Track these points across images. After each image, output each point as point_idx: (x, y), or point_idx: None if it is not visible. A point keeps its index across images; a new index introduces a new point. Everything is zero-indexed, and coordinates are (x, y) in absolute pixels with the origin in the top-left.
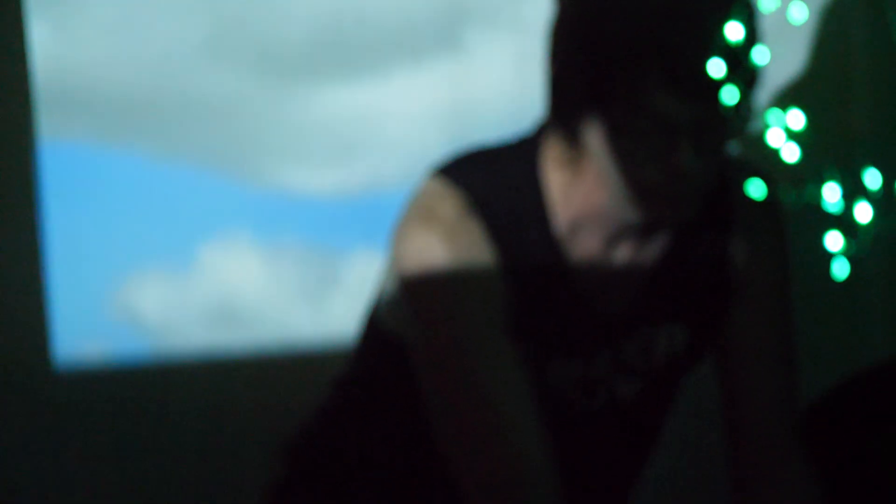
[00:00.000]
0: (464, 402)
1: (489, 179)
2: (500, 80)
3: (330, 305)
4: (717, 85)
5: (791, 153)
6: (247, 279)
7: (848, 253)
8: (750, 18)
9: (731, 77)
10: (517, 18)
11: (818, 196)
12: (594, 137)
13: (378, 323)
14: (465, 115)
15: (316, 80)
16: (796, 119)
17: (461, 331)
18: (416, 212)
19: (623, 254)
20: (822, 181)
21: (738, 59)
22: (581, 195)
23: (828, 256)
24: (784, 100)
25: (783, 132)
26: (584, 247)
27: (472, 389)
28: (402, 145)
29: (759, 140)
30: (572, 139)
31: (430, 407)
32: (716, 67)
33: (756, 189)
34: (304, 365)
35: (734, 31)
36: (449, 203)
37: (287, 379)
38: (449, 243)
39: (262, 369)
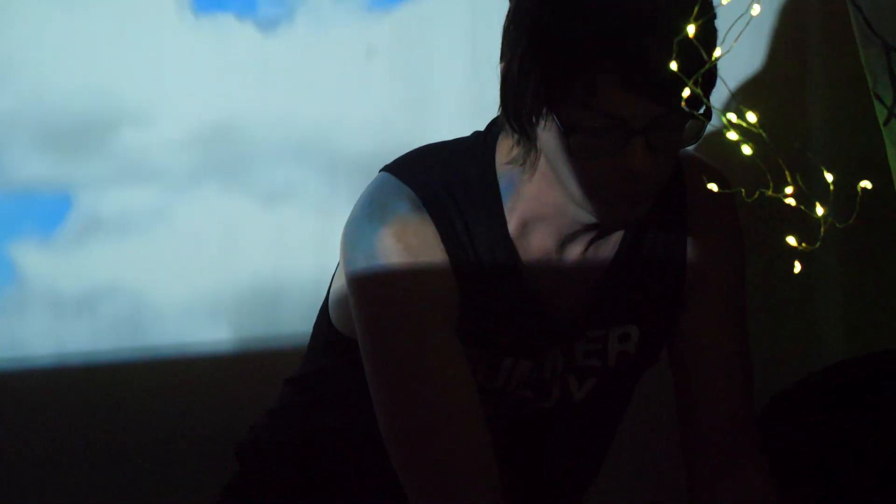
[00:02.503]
0: (406, 404)
1: (441, 178)
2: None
3: None
4: (673, 84)
5: (747, 150)
6: None
7: (803, 248)
8: (706, 16)
9: (686, 76)
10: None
11: (774, 193)
12: (547, 137)
13: (329, 321)
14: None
15: None
16: (752, 117)
17: (408, 332)
18: (367, 209)
19: (575, 254)
20: (778, 179)
21: (696, 58)
22: (533, 194)
23: (784, 252)
24: (740, 98)
25: (739, 130)
26: (537, 247)
27: (415, 392)
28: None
29: (716, 138)
30: (525, 139)
31: (375, 407)
32: (672, 66)
33: (710, 187)
34: (259, 364)
35: (690, 30)
36: (400, 200)
37: (242, 378)
38: (399, 240)
39: (219, 368)
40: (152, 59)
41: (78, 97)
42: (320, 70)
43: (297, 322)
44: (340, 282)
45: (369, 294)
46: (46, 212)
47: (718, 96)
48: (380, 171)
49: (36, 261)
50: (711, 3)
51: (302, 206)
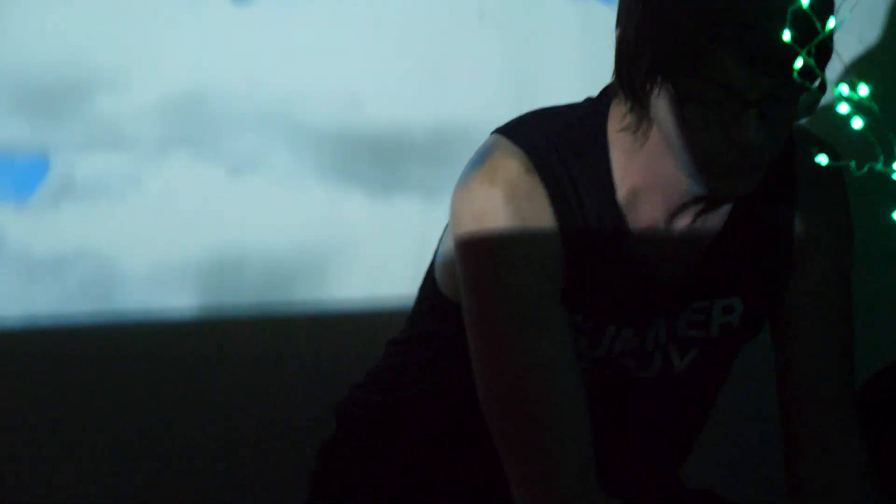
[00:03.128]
0: (506, 368)
1: (553, 142)
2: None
3: None
4: (788, 55)
5: (857, 124)
6: None
7: None
8: None
9: (801, 46)
10: None
11: (887, 169)
12: (661, 106)
13: (434, 283)
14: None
15: None
16: (863, 90)
17: (512, 296)
18: (479, 169)
19: (683, 224)
20: (890, 154)
21: (810, 30)
22: (644, 164)
23: (892, 228)
24: (852, 70)
25: (850, 103)
26: (645, 216)
27: (516, 356)
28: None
29: (827, 111)
30: (638, 107)
31: (474, 367)
32: (787, 38)
33: (820, 162)
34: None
35: (805, 1)
36: (512, 162)
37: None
38: (509, 202)
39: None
40: (127, 26)
41: (54, 62)
42: (291, 42)
43: (261, 292)
44: (448, 244)
45: (476, 256)
46: (24, 175)
47: (832, 70)
48: (491, 133)
49: (11, 223)
50: None
51: (269, 176)
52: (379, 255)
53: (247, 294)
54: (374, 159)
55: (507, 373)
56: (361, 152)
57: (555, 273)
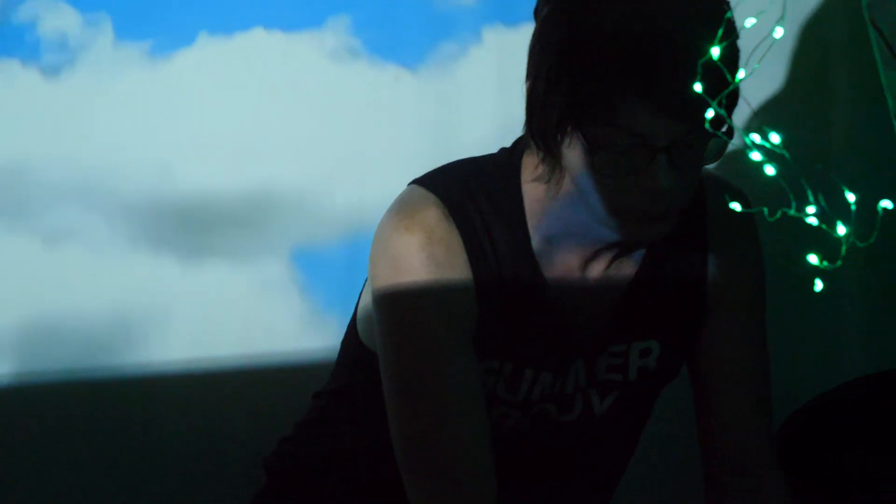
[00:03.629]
0: (415, 411)
1: (468, 190)
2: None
3: None
4: (696, 103)
5: (769, 171)
6: None
7: (825, 267)
8: (729, 39)
9: (710, 97)
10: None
11: (800, 214)
12: (572, 156)
13: (356, 335)
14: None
15: None
16: (775, 137)
17: (421, 338)
18: (395, 217)
19: (598, 271)
20: (800, 198)
21: (718, 79)
22: (558, 212)
23: (806, 271)
24: (763, 118)
25: (762, 150)
26: (560, 263)
27: (425, 400)
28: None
29: (738, 158)
30: (550, 157)
31: (388, 410)
32: (696, 87)
33: (734, 208)
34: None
35: (714, 52)
36: (428, 210)
37: (273, 392)
38: (424, 248)
39: (248, 383)
40: None
41: None
42: (101, 112)
43: (78, 357)
44: (368, 297)
45: (391, 299)
46: None
47: (741, 116)
48: (408, 184)
49: None
50: (735, 25)
51: (83, 245)
52: (192, 318)
53: (64, 360)
54: (184, 226)
55: (415, 415)
56: (172, 219)
57: (466, 320)
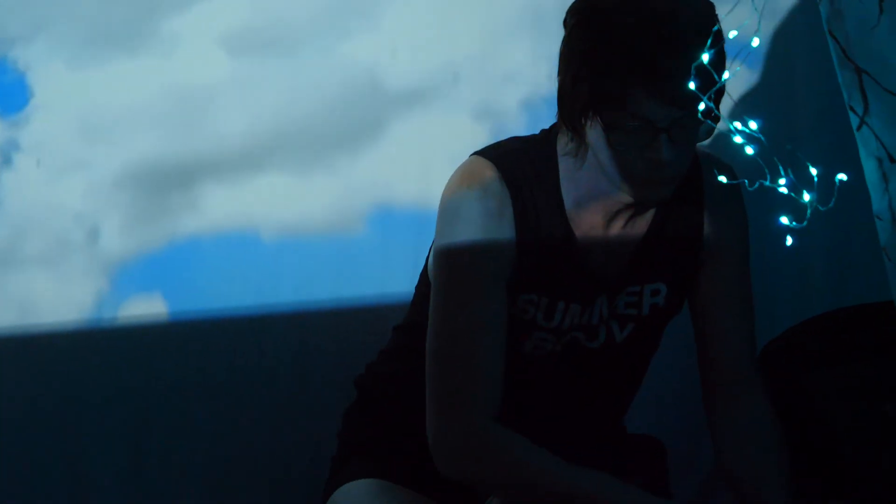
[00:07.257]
0: (447, 331)
1: (518, 161)
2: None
3: None
4: (690, 95)
5: (749, 150)
6: None
7: (794, 226)
8: (717, 46)
9: (702, 92)
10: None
11: (773, 185)
12: (593, 134)
13: (426, 276)
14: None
15: None
16: (753, 124)
17: (468, 268)
18: (460, 175)
19: (618, 227)
20: (773, 172)
21: (708, 78)
22: (584, 180)
23: (779, 229)
24: (743, 108)
25: (743, 134)
26: (587, 221)
27: (458, 313)
28: None
29: (725, 140)
30: (577, 136)
31: (428, 329)
32: (690, 85)
33: (721, 180)
34: (376, 314)
35: (704, 57)
36: (486, 172)
37: (363, 326)
38: (482, 201)
39: (343, 319)
40: None
41: None
42: None
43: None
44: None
45: (448, 236)
46: None
47: (726, 107)
48: (470, 156)
49: None
50: (722, 34)
51: None
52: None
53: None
54: None
55: (449, 325)
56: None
57: (505, 264)
